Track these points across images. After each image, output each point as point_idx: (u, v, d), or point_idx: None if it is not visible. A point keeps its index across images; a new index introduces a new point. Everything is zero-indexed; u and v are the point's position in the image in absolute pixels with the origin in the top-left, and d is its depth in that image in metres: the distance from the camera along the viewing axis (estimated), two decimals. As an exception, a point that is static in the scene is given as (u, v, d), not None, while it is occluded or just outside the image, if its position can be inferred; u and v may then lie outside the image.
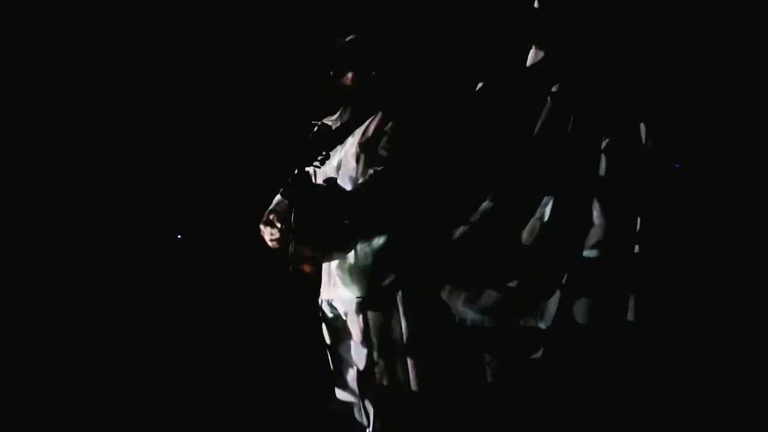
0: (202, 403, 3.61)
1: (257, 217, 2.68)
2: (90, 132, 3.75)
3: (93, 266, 3.74)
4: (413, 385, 2.56)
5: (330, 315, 2.72)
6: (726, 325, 2.49)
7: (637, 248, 2.44)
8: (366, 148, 2.60)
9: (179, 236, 3.84)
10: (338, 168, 2.66)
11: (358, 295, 2.60)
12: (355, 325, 2.62)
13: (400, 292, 2.57)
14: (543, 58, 2.63)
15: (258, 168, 3.55)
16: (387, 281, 2.58)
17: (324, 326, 2.77)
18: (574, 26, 2.57)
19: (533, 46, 2.65)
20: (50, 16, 3.67)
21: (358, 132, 2.65)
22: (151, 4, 3.68)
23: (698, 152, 2.45)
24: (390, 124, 2.60)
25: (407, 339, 2.56)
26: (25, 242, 3.71)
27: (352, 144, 2.64)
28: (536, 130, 2.61)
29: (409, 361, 2.58)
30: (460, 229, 2.61)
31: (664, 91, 2.48)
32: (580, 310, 2.48)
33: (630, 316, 2.43)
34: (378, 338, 2.59)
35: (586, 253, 2.50)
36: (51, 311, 3.69)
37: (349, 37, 2.67)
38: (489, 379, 2.56)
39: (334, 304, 2.69)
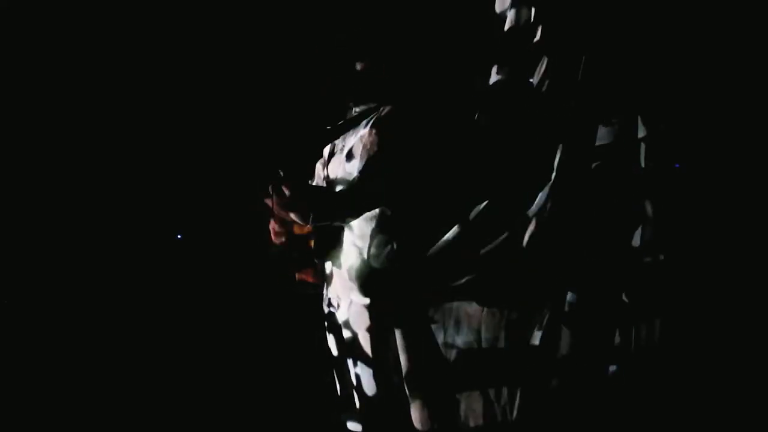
0: (201, 403, 3.61)
1: (257, 217, 2.67)
2: (90, 132, 3.75)
3: (93, 266, 3.74)
4: (415, 423, 2.50)
5: (334, 325, 2.68)
6: (727, 328, 2.46)
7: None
8: (370, 139, 2.59)
9: (179, 236, 3.83)
10: (348, 156, 2.65)
11: (362, 302, 2.57)
12: (360, 338, 2.57)
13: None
14: (537, 54, 2.62)
15: (258, 168, 3.55)
16: (388, 290, 2.55)
17: (330, 337, 2.73)
18: (573, 23, 2.56)
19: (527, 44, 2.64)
20: (50, 16, 3.67)
21: (369, 123, 2.64)
22: (151, 4, 3.67)
23: (698, 152, 2.44)
24: (395, 117, 2.60)
25: (405, 372, 2.51)
26: (25, 242, 3.71)
27: (362, 134, 2.63)
28: (525, 127, 2.60)
29: (410, 398, 2.51)
30: (453, 233, 2.59)
31: (663, 90, 2.48)
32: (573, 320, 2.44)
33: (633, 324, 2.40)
34: (377, 359, 2.54)
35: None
36: (51, 311, 3.69)
37: (355, 31, 2.67)
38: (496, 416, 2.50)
39: (337, 313, 2.66)
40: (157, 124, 3.77)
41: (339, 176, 2.63)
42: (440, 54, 3.12)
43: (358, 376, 2.60)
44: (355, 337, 2.59)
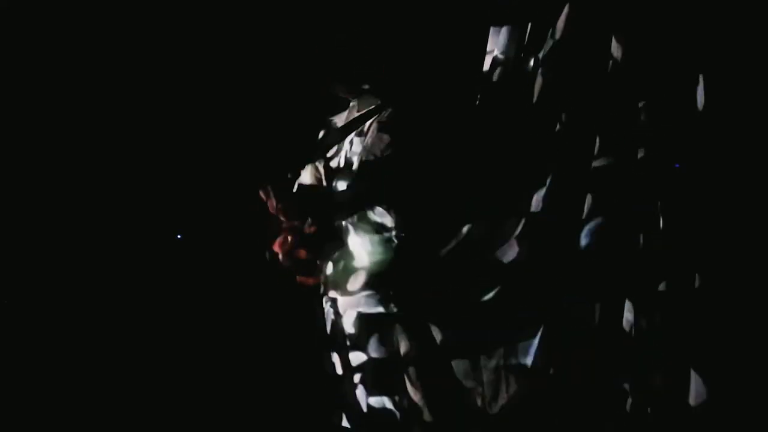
0: (202, 404, 3.60)
1: (257, 217, 2.66)
2: (90, 132, 3.75)
3: (93, 266, 3.73)
4: None
5: (338, 339, 2.59)
6: (730, 332, 2.42)
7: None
8: (369, 143, 2.57)
9: (179, 236, 3.83)
10: (350, 155, 2.62)
11: (374, 311, 2.50)
12: (374, 360, 2.47)
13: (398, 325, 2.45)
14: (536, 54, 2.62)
15: (258, 168, 3.55)
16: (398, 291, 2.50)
17: (334, 356, 2.63)
18: (573, 23, 2.56)
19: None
20: (50, 16, 3.67)
21: (367, 126, 2.61)
22: (151, 4, 3.67)
23: (699, 152, 2.43)
24: (393, 120, 2.57)
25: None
26: (25, 242, 3.70)
27: (364, 133, 2.60)
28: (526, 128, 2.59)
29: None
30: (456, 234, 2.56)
31: (664, 89, 2.47)
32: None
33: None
34: (395, 385, 2.44)
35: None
36: (51, 311, 3.68)
37: (354, 32, 2.65)
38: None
39: (343, 323, 2.58)
40: (157, 124, 3.77)
41: (341, 174, 2.61)
42: (440, 53, 3.12)
43: (371, 408, 2.50)
44: (368, 359, 2.49)
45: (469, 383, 2.45)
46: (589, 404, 2.40)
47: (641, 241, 2.43)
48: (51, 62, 3.69)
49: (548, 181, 2.50)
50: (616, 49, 2.46)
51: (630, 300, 2.41)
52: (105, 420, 3.54)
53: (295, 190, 2.50)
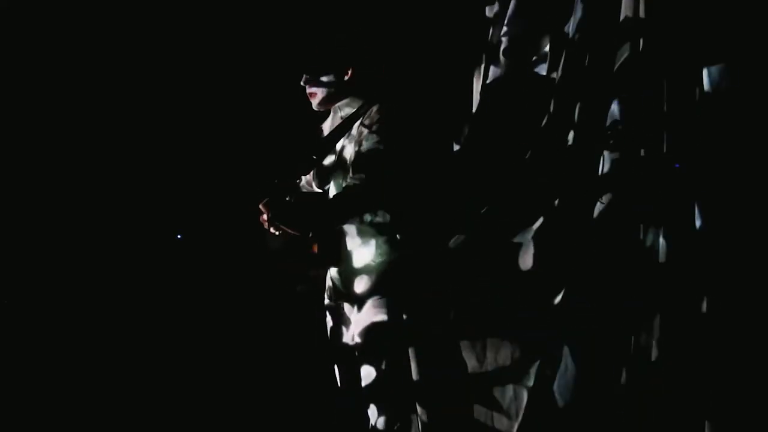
0: (202, 404, 3.60)
1: (256, 218, 2.66)
2: (90, 132, 3.75)
3: (93, 266, 3.73)
4: None
5: (342, 348, 2.54)
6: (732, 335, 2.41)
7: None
8: (360, 143, 2.52)
9: (179, 236, 3.83)
10: (341, 157, 2.59)
11: (379, 318, 2.44)
12: (379, 369, 2.42)
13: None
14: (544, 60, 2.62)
15: (258, 168, 3.54)
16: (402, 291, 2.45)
17: (336, 368, 2.59)
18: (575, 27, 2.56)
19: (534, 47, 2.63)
20: (50, 16, 3.67)
21: (356, 126, 2.57)
22: (151, 4, 3.67)
23: (699, 152, 2.43)
24: (385, 119, 2.51)
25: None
26: (25, 242, 3.70)
27: (355, 134, 2.56)
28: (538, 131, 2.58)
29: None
30: (458, 235, 2.53)
31: (665, 89, 2.46)
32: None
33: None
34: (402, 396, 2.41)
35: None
36: (51, 311, 3.68)
37: (349, 33, 2.64)
38: None
39: (345, 333, 2.53)
40: (157, 124, 3.77)
41: (334, 177, 2.58)
42: (439, 53, 3.11)
43: (379, 426, 2.46)
44: (378, 375, 2.44)
45: (484, 401, 2.44)
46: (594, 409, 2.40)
47: (642, 240, 2.42)
48: (51, 62, 3.69)
49: (560, 176, 2.49)
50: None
51: (633, 302, 2.41)
52: (105, 420, 3.54)
53: (288, 199, 2.44)
